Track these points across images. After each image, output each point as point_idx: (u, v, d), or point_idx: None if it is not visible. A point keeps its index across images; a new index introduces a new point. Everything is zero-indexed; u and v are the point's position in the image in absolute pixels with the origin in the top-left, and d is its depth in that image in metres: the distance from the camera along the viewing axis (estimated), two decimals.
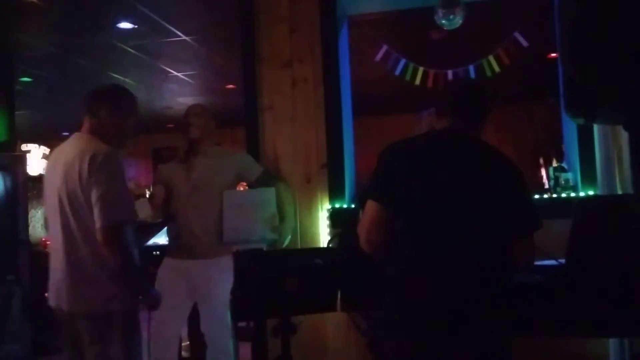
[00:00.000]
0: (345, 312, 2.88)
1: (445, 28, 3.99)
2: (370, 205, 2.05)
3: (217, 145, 3.59)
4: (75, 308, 2.42)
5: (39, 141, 9.31)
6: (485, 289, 1.96)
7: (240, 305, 2.64)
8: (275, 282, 2.56)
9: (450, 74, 4.12)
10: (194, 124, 3.32)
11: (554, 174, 3.59)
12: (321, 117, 3.60)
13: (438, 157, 2.05)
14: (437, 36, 5.20)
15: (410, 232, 1.99)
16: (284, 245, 3.37)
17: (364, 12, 4.12)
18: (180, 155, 3.43)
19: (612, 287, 2.14)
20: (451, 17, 3.87)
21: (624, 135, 2.88)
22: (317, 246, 3.51)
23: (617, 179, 3.09)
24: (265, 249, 3.30)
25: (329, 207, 3.55)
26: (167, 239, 3.60)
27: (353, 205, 3.54)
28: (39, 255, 5.07)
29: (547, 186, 3.88)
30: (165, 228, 3.40)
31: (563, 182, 3.42)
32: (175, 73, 6.91)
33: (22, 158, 5.08)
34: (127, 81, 7.02)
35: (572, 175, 3.42)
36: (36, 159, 9.13)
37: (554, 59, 4.89)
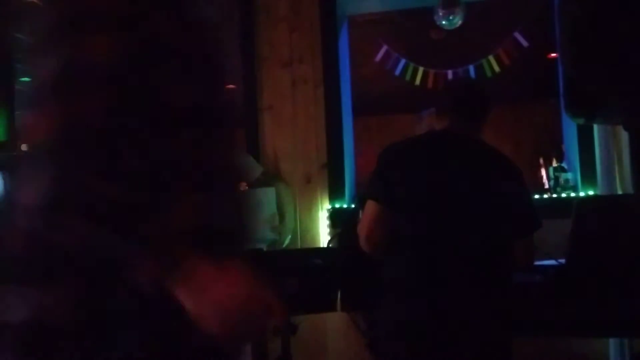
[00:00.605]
0: (345, 312, 2.88)
1: (445, 28, 3.99)
2: (370, 205, 2.05)
3: None
4: None
5: None
6: (485, 289, 1.97)
7: None
8: (275, 282, 2.55)
9: (450, 74, 4.12)
10: None
11: (554, 174, 3.59)
12: (321, 117, 3.60)
13: (438, 157, 2.05)
14: (437, 36, 5.19)
15: (410, 232, 1.99)
16: (284, 245, 3.37)
17: (364, 12, 4.12)
18: None
19: (612, 287, 2.14)
20: (451, 17, 3.87)
21: (624, 135, 2.89)
22: (317, 246, 3.51)
23: (617, 179, 3.10)
24: (265, 249, 3.30)
25: (329, 207, 3.55)
26: None
27: (353, 205, 3.54)
28: None
29: (547, 186, 3.88)
30: None
31: (563, 182, 3.42)
32: None
33: None
34: None
35: (572, 175, 3.42)
36: None
37: (554, 59, 4.89)
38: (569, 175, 3.43)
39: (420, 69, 4.08)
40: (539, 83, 5.87)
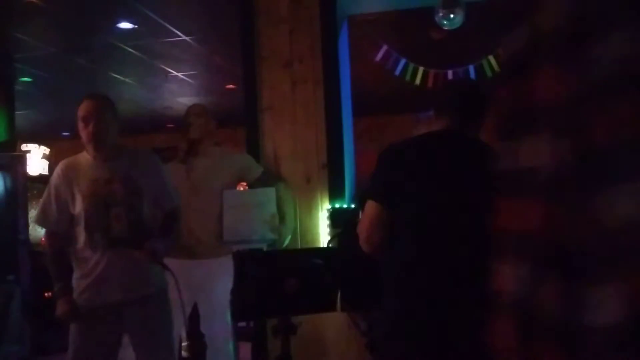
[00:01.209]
0: (345, 312, 2.88)
1: (445, 28, 4.00)
2: (370, 206, 2.05)
3: (217, 145, 3.59)
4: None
5: (39, 141, 9.31)
6: (485, 290, 1.96)
7: (240, 305, 2.64)
8: (275, 282, 2.56)
9: (450, 74, 4.12)
10: (194, 124, 3.32)
11: None
12: (321, 117, 3.60)
13: (437, 158, 2.05)
14: (437, 36, 5.19)
15: (409, 232, 1.99)
16: (283, 245, 3.37)
17: (364, 12, 4.12)
18: (180, 156, 3.42)
19: None
20: (451, 17, 3.88)
21: None
22: (317, 246, 3.51)
23: None
24: (265, 249, 3.31)
25: (329, 207, 3.55)
26: None
27: (353, 205, 3.54)
28: (39, 255, 5.07)
29: None
30: None
31: None
32: (175, 73, 6.91)
33: (22, 158, 5.09)
34: (127, 81, 7.02)
35: None
36: (36, 159, 9.14)
37: None
38: None
39: (420, 69, 4.09)
40: None
